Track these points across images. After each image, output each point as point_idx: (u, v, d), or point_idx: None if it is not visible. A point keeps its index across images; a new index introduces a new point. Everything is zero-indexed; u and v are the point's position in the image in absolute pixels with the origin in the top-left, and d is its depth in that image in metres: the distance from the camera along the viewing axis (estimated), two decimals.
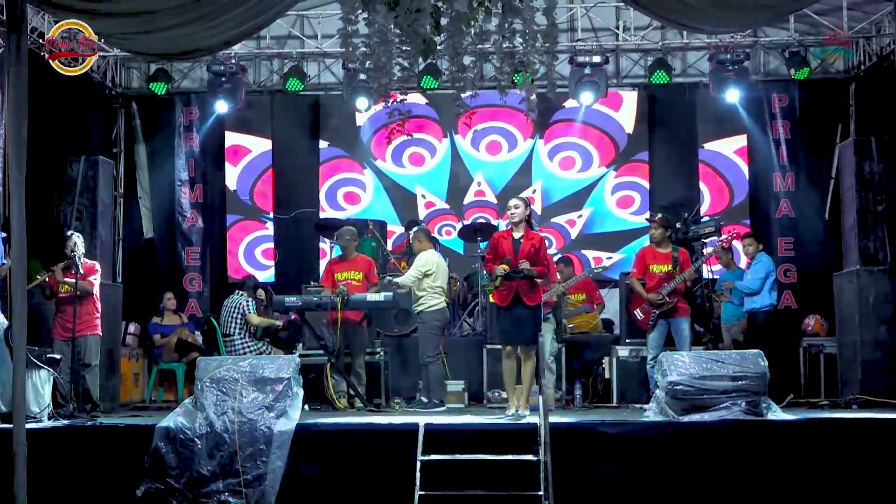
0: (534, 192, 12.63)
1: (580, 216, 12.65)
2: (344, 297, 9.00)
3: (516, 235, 7.96)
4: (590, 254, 12.55)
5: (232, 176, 12.82)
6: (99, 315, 8.92)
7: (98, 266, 9.09)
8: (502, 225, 11.67)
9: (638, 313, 9.09)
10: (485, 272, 8.62)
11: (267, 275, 12.59)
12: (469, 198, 12.76)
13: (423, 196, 12.75)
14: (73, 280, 8.49)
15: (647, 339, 9.04)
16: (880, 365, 9.38)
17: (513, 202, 8.08)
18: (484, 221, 12.07)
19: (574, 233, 12.65)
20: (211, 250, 12.59)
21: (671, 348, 8.70)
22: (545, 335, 9.03)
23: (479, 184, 12.75)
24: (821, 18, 10.38)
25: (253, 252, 12.78)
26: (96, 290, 8.90)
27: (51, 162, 10.16)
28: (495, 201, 12.65)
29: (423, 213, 12.65)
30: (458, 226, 12.48)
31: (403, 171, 12.83)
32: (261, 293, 10.48)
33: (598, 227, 12.67)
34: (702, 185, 12.39)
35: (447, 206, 12.72)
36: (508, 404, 8.07)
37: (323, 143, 12.82)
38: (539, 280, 8.04)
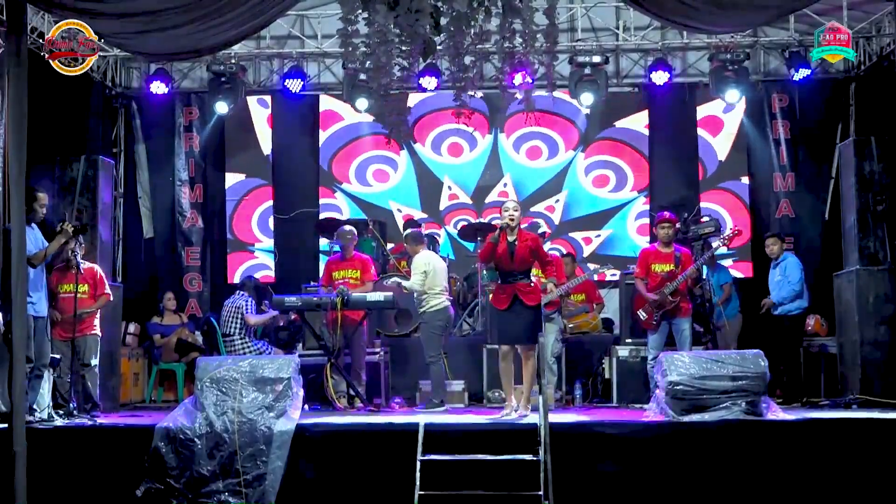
0: (504, 185, 12.66)
1: (557, 200, 12.61)
2: (344, 297, 9.00)
3: (510, 238, 7.93)
4: (578, 235, 12.55)
5: (267, 140, 12.81)
6: (98, 315, 8.91)
7: (99, 270, 8.99)
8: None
9: (641, 313, 9.09)
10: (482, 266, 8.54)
11: (270, 243, 12.63)
12: (444, 202, 12.73)
13: (399, 210, 12.69)
14: (74, 282, 8.47)
15: (649, 339, 9.04)
16: (880, 365, 9.36)
17: (511, 205, 7.98)
18: (485, 221, 12.07)
19: (556, 218, 12.61)
20: (211, 250, 12.59)
21: (672, 348, 8.71)
22: (548, 336, 9.05)
23: (449, 187, 12.74)
24: (821, 18, 10.37)
25: (267, 219, 12.77)
26: (107, 289, 8.88)
27: (51, 162, 10.15)
28: (470, 202, 12.65)
29: (401, 223, 12.46)
30: (441, 232, 12.50)
31: (440, 158, 12.80)
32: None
33: (577, 211, 12.62)
34: (725, 214, 12.25)
35: (425, 215, 12.63)
36: (506, 404, 8.07)
37: (369, 118, 12.58)
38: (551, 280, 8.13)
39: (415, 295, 9.31)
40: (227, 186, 12.74)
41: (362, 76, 10.75)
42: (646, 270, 9.09)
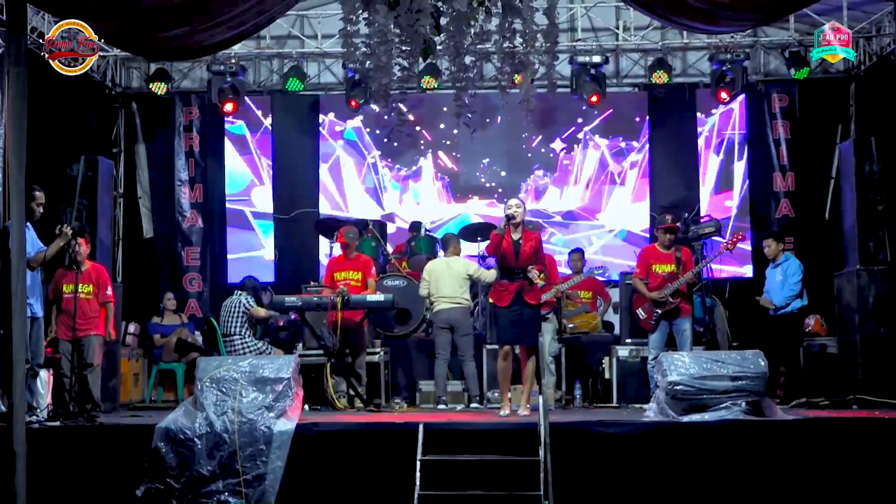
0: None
1: None
2: (344, 298, 9.01)
3: (515, 236, 7.93)
4: None
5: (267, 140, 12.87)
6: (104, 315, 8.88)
7: (104, 271, 8.97)
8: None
9: (640, 313, 9.09)
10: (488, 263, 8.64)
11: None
12: None
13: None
14: (76, 282, 8.46)
15: (649, 339, 9.04)
16: (880, 365, 9.37)
17: (514, 202, 8.00)
18: (485, 221, 12.06)
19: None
20: (211, 250, 12.59)
21: (672, 348, 8.71)
22: (545, 335, 9.06)
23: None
24: (821, 18, 10.37)
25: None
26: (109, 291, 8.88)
27: (51, 162, 10.15)
28: None
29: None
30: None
31: None
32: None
33: None
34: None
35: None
36: (503, 405, 8.07)
37: None
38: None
39: None
40: (227, 186, 12.76)
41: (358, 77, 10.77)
42: (646, 270, 9.08)
